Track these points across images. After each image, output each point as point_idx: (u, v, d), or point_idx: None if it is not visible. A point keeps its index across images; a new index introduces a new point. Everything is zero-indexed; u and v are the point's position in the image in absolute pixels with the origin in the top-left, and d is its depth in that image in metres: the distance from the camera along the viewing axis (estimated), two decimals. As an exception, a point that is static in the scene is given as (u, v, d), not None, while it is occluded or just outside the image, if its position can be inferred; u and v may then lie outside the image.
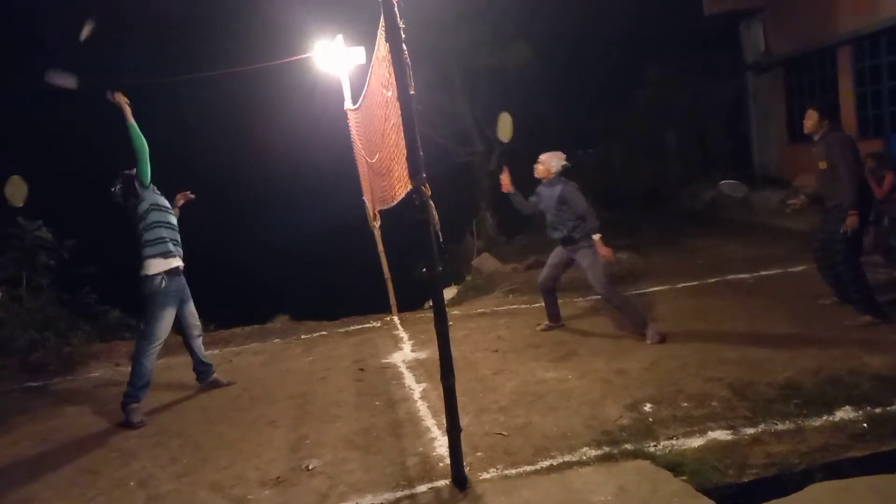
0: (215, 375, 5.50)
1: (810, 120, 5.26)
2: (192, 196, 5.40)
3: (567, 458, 3.42)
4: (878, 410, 3.48)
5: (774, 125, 13.42)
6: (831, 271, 5.35)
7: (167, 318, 4.94)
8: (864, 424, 3.34)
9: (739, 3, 12.80)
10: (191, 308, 5.24)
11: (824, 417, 3.48)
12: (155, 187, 5.06)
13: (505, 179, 5.79)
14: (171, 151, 5.39)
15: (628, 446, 3.43)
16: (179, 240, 5.09)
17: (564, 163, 5.66)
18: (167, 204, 5.11)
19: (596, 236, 5.33)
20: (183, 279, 5.11)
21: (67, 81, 5.42)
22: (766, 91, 13.69)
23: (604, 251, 5.31)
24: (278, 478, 3.63)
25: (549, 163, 5.65)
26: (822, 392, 3.78)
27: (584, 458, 3.40)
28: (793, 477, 2.97)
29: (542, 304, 6.14)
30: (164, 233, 4.95)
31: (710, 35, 13.98)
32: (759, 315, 5.63)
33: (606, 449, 3.44)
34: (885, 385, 3.76)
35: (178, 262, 5.02)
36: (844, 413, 3.50)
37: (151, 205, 4.95)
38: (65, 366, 6.93)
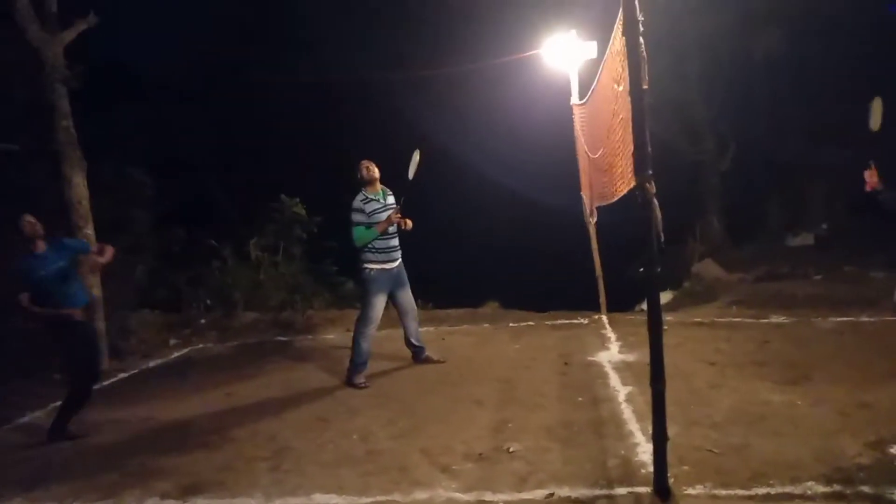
0: (427, 353, 5.88)
1: None
2: (406, 222, 5.55)
3: (788, 489, 3.12)
4: None
5: None
6: None
7: (378, 303, 5.41)
8: None
9: None
10: (406, 294, 5.65)
11: None
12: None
13: (872, 177, 4.65)
14: (403, 146, 5.82)
15: (866, 489, 3.03)
16: (393, 244, 5.46)
17: None
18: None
19: None
20: (396, 270, 5.50)
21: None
22: None
23: None
24: (481, 454, 3.81)
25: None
26: None
27: (810, 492, 3.06)
28: None
29: (772, 320, 5.53)
30: (377, 243, 5.38)
31: None
32: None
33: (838, 487, 3.07)
34: None
35: (388, 265, 5.42)
36: None
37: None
38: (307, 326, 7.96)
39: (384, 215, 5.39)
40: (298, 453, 4.06)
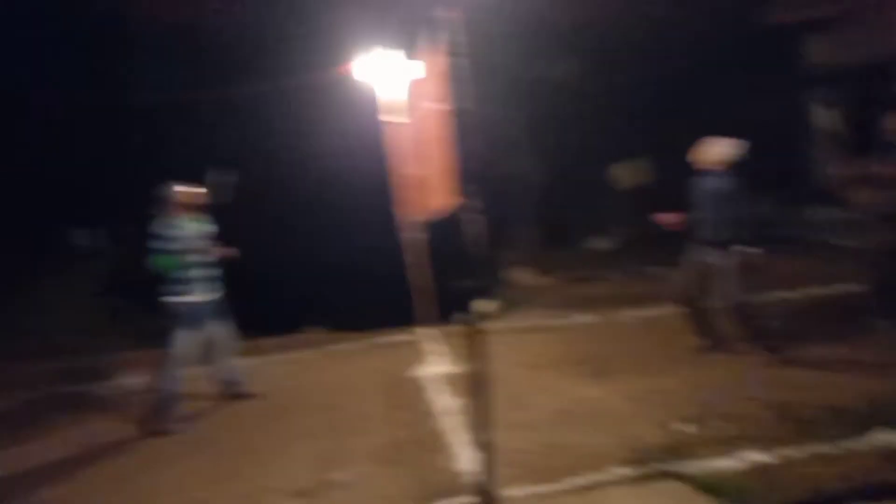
0: (243, 388, 5.53)
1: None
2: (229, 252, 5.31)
3: (599, 477, 3.32)
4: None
5: (835, 140, 12.96)
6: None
7: (189, 340, 5.02)
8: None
9: (802, 14, 12.40)
10: (223, 328, 5.30)
11: (865, 441, 3.31)
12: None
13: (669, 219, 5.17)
14: (207, 165, 5.47)
15: (662, 467, 3.31)
16: (207, 275, 5.12)
17: (734, 151, 5.01)
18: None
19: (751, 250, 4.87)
20: (211, 304, 5.15)
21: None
22: (827, 106, 13.24)
23: (760, 261, 4.92)
24: (305, 489, 3.61)
25: (722, 149, 5.03)
26: (864, 415, 3.58)
27: (617, 477, 3.28)
28: (832, 501, 2.81)
29: (581, 320, 5.97)
30: (191, 274, 5.02)
31: (773, 47, 13.58)
32: (807, 334, 5.39)
33: (640, 469, 3.33)
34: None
35: (201, 298, 5.07)
36: (883, 436, 3.32)
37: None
38: (103, 371, 7.09)
39: (197, 244, 5.01)
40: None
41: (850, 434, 3.38)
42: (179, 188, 5.09)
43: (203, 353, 5.39)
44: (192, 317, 5.01)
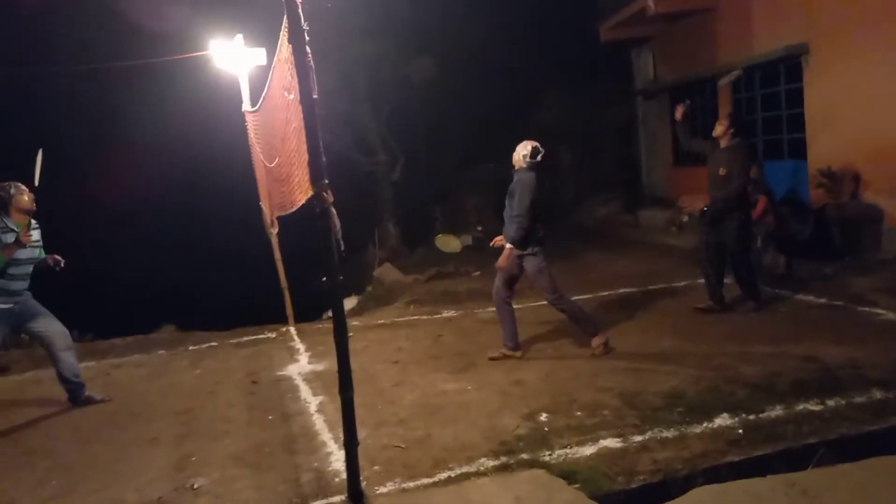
0: (88, 392, 5.06)
1: (720, 126, 6.07)
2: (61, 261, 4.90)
3: (465, 469, 3.42)
4: (751, 417, 3.72)
5: (661, 149, 14.28)
6: (716, 269, 6.09)
7: None
8: (740, 430, 3.57)
9: (631, 32, 13.55)
10: (48, 324, 4.84)
11: (704, 424, 3.69)
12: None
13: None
14: (53, 149, 4.93)
15: (525, 456, 3.48)
16: (17, 288, 4.71)
17: (529, 152, 5.13)
18: None
19: (508, 246, 5.06)
20: (18, 308, 4.72)
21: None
22: (654, 116, 14.55)
23: (502, 262, 5.11)
24: (160, 498, 3.39)
25: (518, 151, 5.21)
26: (703, 400, 4.01)
27: (482, 468, 3.40)
28: (676, 482, 3.12)
29: (444, 315, 6.10)
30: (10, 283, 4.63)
31: (605, 61, 14.73)
32: (647, 328, 5.93)
33: (504, 459, 3.47)
34: (757, 394, 4.04)
35: (7, 305, 4.66)
36: (722, 420, 3.72)
37: None
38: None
39: (28, 252, 4.58)
40: None
41: (694, 420, 3.74)
42: (22, 192, 4.67)
43: (45, 356, 4.91)
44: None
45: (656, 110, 14.40)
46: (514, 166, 5.28)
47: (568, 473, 3.22)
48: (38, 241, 4.75)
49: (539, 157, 5.17)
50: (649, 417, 3.82)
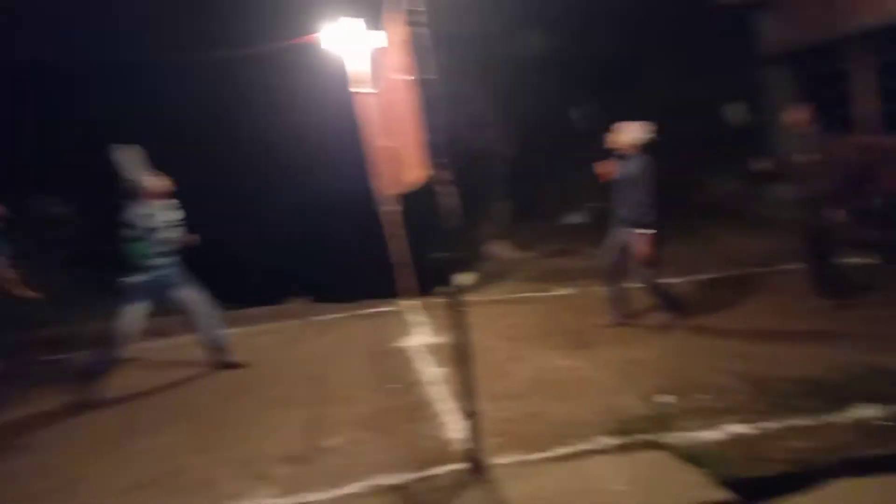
0: (227, 358, 5.54)
1: (802, 116, 5.59)
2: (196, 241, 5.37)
3: (582, 446, 3.42)
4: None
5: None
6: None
7: (136, 313, 5.08)
8: (883, 422, 3.32)
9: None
10: (193, 296, 5.32)
11: (844, 414, 3.46)
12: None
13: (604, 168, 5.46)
14: (176, 134, 5.38)
15: (645, 436, 3.43)
16: (165, 262, 5.18)
17: (646, 137, 5.14)
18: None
19: (639, 232, 5.10)
20: (165, 279, 5.18)
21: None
22: (778, 83, 13.47)
23: (642, 249, 5.13)
24: (297, 455, 3.67)
25: (632, 134, 5.17)
26: (841, 389, 3.74)
27: (600, 446, 3.39)
28: (812, 473, 2.95)
29: (558, 292, 6.10)
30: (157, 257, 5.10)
31: (724, 25, 13.77)
32: (778, 309, 5.60)
33: (623, 438, 3.44)
34: (903, 383, 3.73)
35: (154, 276, 5.12)
36: (863, 410, 3.47)
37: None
38: (81, 340, 7.02)
39: (168, 231, 5.06)
40: (90, 482, 3.59)
41: (832, 409, 3.51)
42: (150, 177, 5.12)
43: (189, 321, 5.42)
44: (145, 291, 5.07)
45: (781, 77, 13.31)
46: (620, 149, 5.23)
47: (692, 457, 3.14)
48: (176, 220, 5.22)
49: (648, 138, 5.10)
50: (782, 404, 3.63)
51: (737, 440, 3.30)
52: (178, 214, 5.26)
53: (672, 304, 5.32)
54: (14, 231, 7.80)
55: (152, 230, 5.01)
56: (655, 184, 5.06)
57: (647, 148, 5.15)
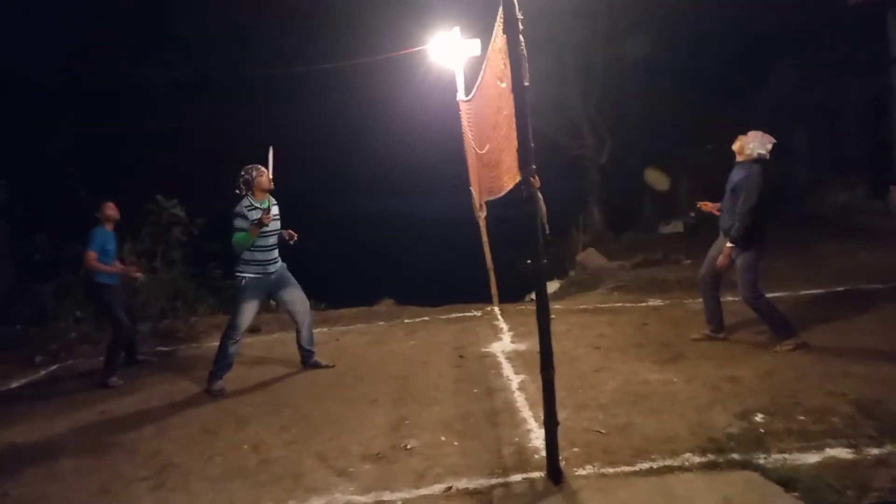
0: (315, 359, 5.73)
1: None
2: (294, 237, 5.51)
3: (668, 462, 3.31)
4: None
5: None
6: None
7: (248, 311, 5.27)
8: None
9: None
10: (296, 296, 5.51)
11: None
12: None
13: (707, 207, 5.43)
14: (288, 142, 5.67)
15: (736, 456, 3.27)
16: (272, 257, 5.35)
17: (764, 149, 4.91)
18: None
19: (728, 245, 4.90)
20: (274, 277, 5.36)
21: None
22: None
23: (722, 261, 4.96)
24: (378, 454, 3.77)
25: (747, 142, 4.95)
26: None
27: (687, 463, 3.27)
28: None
29: (650, 303, 5.92)
30: (256, 254, 5.25)
31: (852, 26, 12.85)
32: (892, 329, 5.16)
33: (712, 457, 3.30)
34: None
35: (263, 274, 5.29)
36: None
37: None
38: (190, 334, 7.54)
39: (270, 225, 5.23)
40: (184, 469, 3.83)
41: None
42: (262, 173, 5.31)
43: (290, 321, 5.68)
44: (251, 289, 5.26)
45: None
46: (736, 153, 5.02)
47: (786, 480, 2.97)
48: (276, 215, 5.39)
49: (766, 150, 4.90)
50: (890, 429, 3.35)
51: (836, 465, 3.08)
52: (276, 209, 5.39)
53: (777, 321, 4.98)
54: (129, 231, 8.51)
55: (255, 222, 5.16)
56: (763, 196, 4.83)
57: (762, 160, 4.93)
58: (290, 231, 5.50)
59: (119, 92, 15.68)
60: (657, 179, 5.90)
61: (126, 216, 7.58)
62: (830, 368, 4.38)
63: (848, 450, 3.21)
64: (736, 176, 4.98)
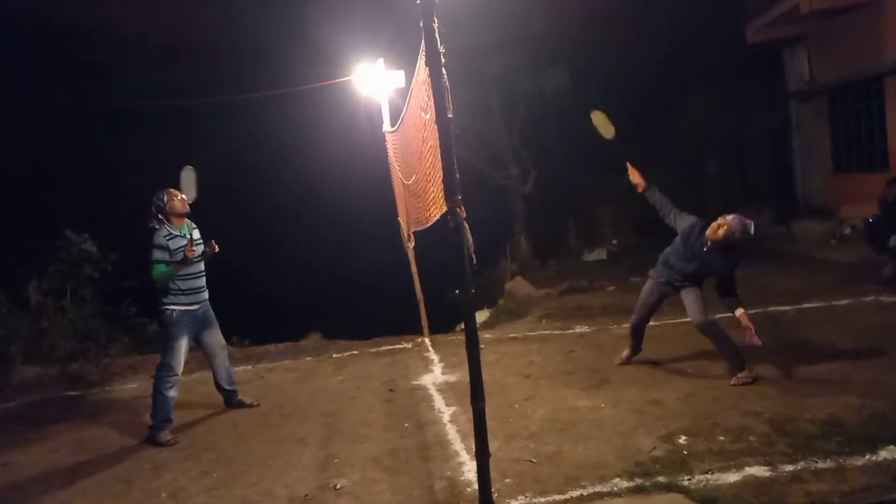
0: (240, 397, 5.51)
1: None
2: (216, 248, 5.22)
3: (598, 488, 3.35)
4: (926, 452, 3.32)
5: (818, 155, 13.13)
6: None
7: (181, 348, 4.97)
8: (911, 466, 3.20)
9: (783, 32, 12.64)
10: (215, 336, 5.27)
11: (867, 457, 3.34)
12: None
13: (636, 178, 5.57)
14: (212, 173, 5.48)
15: (661, 479, 3.35)
16: (198, 285, 5.09)
17: (747, 235, 4.91)
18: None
19: (739, 312, 4.83)
20: (201, 311, 5.12)
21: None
22: (809, 120, 13.43)
23: (749, 330, 4.74)
24: (306, 496, 3.64)
25: (735, 229, 4.84)
26: (866, 430, 3.63)
27: (616, 489, 3.32)
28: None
29: (576, 330, 6.04)
30: (181, 283, 4.97)
31: (753, 63, 13.83)
32: (802, 349, 5.47)
33: (639, 481, 3.36)
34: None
35: (193, 306, 5.03)
36: (888, 453, 3.35)
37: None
38: (103, 376, 7.09)
39: (190, 252, 4.95)
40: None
41: (855, 451, 3.40)
42: (173, 197, 5.03)
43: (205, 359, 5.42)
44: (183, 323, 4.99)
45: (812, 114, 13.27)
46: (714, 239, 4.90)
47: (708, 500, 3.06)
48: (198, 239, 5.12)
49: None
50: (802, 445, 3.53)
51: (754, 482, 3.20)
52: (197, 234, 5.14)
53: (729, 348, 4.97)
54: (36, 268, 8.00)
55: (174, 252, 4.89)
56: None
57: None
58: (212, 243, 5.15)
59: (26, 121, 14.88)
60: (604, 125, 5.95)
61: (32, 252, 7.13)
62: (746, 389, 4.58)
63: (765, 467, 3.35)
64: (714, 256, 4.93)
